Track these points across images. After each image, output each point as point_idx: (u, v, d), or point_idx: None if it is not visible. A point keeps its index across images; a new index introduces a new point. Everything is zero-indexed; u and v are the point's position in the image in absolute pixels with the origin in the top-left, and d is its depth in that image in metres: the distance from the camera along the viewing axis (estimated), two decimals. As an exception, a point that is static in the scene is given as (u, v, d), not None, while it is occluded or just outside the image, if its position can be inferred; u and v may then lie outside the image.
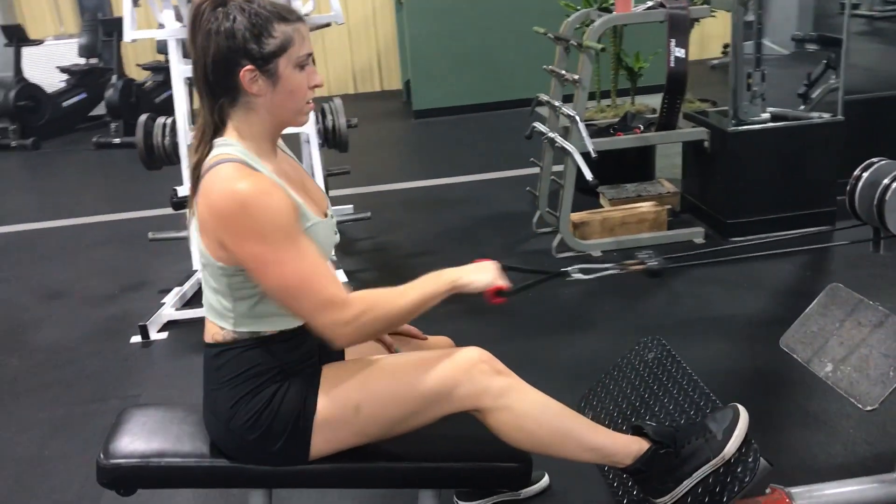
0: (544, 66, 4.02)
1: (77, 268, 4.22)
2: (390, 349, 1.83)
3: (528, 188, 4.29)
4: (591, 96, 4.76)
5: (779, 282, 3.39)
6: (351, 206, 4.51)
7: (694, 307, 3.23)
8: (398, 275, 3.75)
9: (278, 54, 1.47)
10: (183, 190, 3.40)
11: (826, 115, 3.89)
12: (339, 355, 1.76)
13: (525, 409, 1.57)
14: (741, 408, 1.68)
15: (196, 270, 3.74)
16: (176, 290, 3.60)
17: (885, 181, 1.71)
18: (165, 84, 7.39)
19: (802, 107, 4.23)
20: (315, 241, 1.51)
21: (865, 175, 1.78)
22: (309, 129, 3.61)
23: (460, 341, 1.72)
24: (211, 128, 1.51)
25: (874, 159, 1.81)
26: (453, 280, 1.56)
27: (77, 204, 5.47)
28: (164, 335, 3.33)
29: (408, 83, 7.62)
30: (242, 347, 1.54)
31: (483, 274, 1.58)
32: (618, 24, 3.65)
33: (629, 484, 1.77)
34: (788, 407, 2.50)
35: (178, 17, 3.60)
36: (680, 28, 3.56)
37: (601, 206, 4.26)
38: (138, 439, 1.63)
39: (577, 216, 3.92)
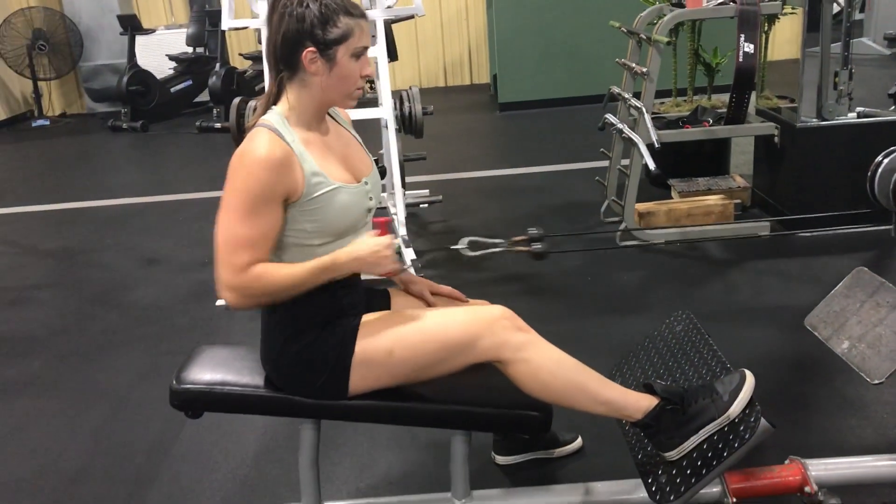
0: (617, 60, 4.13)
1: (173, 238, 4.58)
2: (430, 307, 2.01)
3: (597, 178, 4.40)
4: (668, 92, 4.83)
5: (837, 277, 3.37)
6: (427, 190, 4.73)
7: (749, 297, 3.30)
8: (462, 256, 3.89)
9: (339, 42, 1.68)
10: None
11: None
12: (386, 309, 1.97)
13: (541, 362, 1.74)
14: (748, 372, 1.79)
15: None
16: (259, 260, 3.89)
17: (903, 167, 1.79)
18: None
19: (893, 107, 4.19)
20: (330, 205, 1.71)
21: (885, 161, 1.86)
22: (387, 115, 3.83)
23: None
24: (272, 96, 1.74)
25: (894, 147, 1.89)
26: (345, 271, 1.71)
27: (178, 182, 5.89)
28: (246, 300, 3.61)
29: (495, 77, 7.79)
30: None
31: (377, 267, 1.72)
32: (687, 19, 3.73)
33: (644, 441, 1.90)
34: (827, 392, 2.57)
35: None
36: (750, 24, 3.62)
37: (671, 199, 4.34)
38: (206, 370, 1.87)
39: (643, 206, 4.03)
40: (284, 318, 1.76)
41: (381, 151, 4.29)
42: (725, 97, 4.80)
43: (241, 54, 8.28)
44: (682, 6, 3.99)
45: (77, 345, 3.31)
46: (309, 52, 1.67)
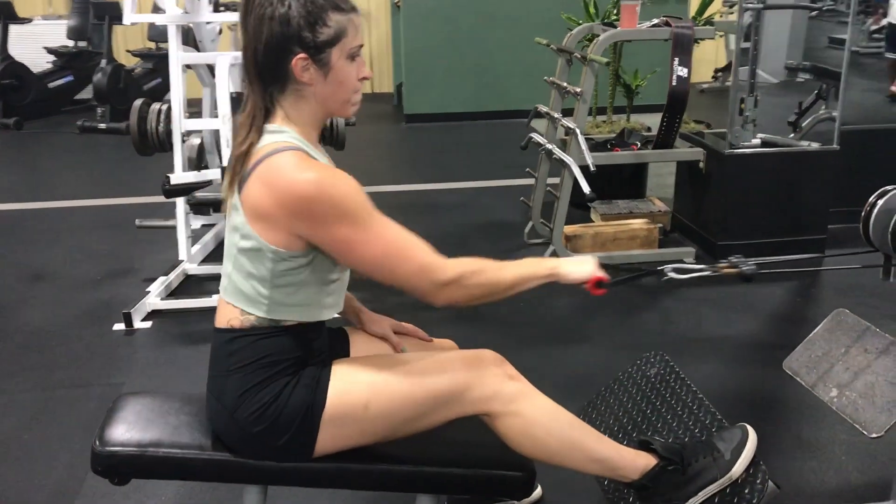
0: (545, 78, 4.02)
1: (61, 251, 4.13)
2: (397, 349, 1.80)
3: (521, 198, 4.28)
4: (587, 112, 4.78)
5: (770, 306, 3.41)
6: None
7: (687, 327, 3.23)
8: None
9: (332, 44, 1.45)
10: (176, 178, 3.34)
11: (815, 144, 3.92)
12: (345, 352, 1.74)
13: (535, 416, 1.55)
14: (750, 428, 1.67)
15: (182, 261, 3.69)
16: (161, 279, 3.54)
17: (901, 209, 1.72)
18: (155, 71, 7.32)
19: (792, 135, 4.27)
20: None
21: (880, 203, 1.78)
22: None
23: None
24: (262, 113, 1.48)
25: (888, 187, 1.82)
26: (554, 267, 1.61)
27: (61, 187, 5.39)
28: (149, 324, 3.26)
29: (399, 87, 7.60)
30: (259, 335, 1.51)
31: (583, 266, 1.62)
32: (623, 39, 3.66)
33: (630, 499, 1.75)
34: (780, 431, 2.50)
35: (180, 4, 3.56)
36: (684, 47, 3.57)
37: (591, 221, 4.27)
38: (135, 427, 1.58)
39: (569, 229, 3.92)
40: (243, 367, 1.51)
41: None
42: (644, 119, 4.81)
43: (128, 51, 7.76)
44: (612, 26, 3.92)
45: (-49, 377, 2.89)
46: (300, 60, 1.44)
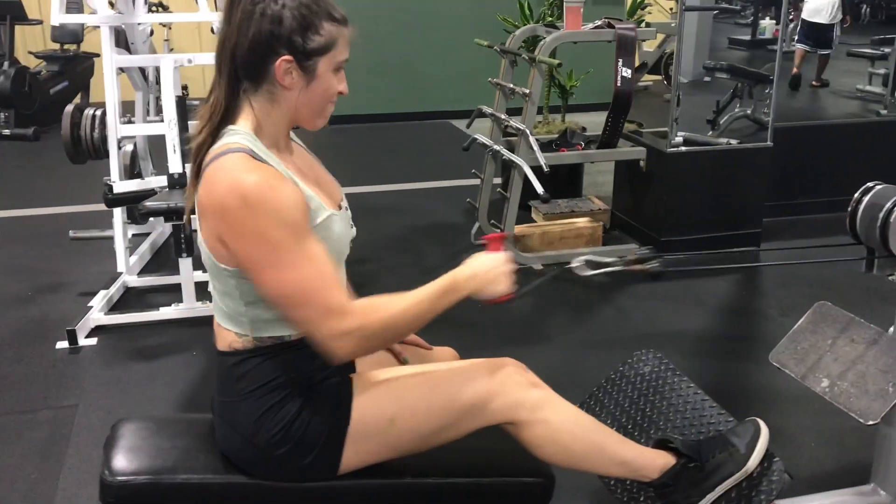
0: (490, 79, 4.03)
1: (-21, 266, 3.89)
2: (399, 358, 1.77)
3: (468, 199, 4.28)
4: (521, 111, 4.82)
5: (716, 299, 3.52)
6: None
7: (642, 322, 3.29)
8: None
9: (321, 53, 1.40)
10: (119, 186, 3.18)
11: (734, 141, 4.07)
12: (351, 366, 1.69)
13: (560, 422, 1.54)
14: (761, 422, 1.71)
15: (121, 272, 3.53)
16: (102, 293, 3.37)
17: (888, 205, 1.79)
18: (62, 74, 6.96)
19: (710, 132, 4.43)
20: (330, 235, 1.45)
21: (865, 199, 1.85)
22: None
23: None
24: (221, 111, 1.40)
25: (870, 184, 1.89)
26: (465, 293, 1.47)
27: (-33, 197, 5.05)
28: (94, 341, 3.10)
29: (320, 88, 7.47)
30: (264, 355, 1.44)
31: (498, 285, 1.50)
32: (569, 41, 3.70)
33: (640, 498, 1.76)
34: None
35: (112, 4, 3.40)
36: (628, 48, 3.64)
37: (533, 220, 4.31)
38: (144, 454, 1.49)
39: (517, 229, 3.94)
40: (255, 390, 1.44)
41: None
42: (578, 118, 4.89)
43: (31, 52, 7.35)
44: (554, 27, 3.96)
45: None
46: (284, 62, 1.37)
